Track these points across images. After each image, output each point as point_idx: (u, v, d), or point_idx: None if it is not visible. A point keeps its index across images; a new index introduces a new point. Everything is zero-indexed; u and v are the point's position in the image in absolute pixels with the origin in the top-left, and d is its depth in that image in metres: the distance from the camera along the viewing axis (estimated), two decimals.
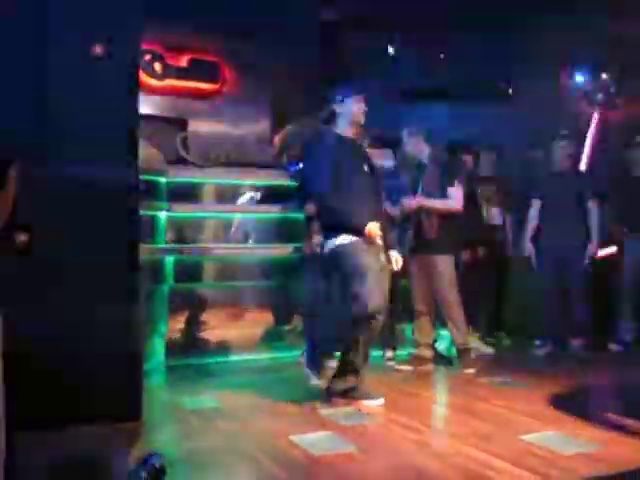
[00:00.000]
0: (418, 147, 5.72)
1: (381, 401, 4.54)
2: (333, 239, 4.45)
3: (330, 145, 4.58)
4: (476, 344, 6.18)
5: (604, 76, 7.79)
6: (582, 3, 6.88)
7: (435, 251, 5.57)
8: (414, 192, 5.66)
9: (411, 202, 5.63)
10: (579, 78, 7.87)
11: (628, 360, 6.12)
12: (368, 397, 4.55)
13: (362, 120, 4.71)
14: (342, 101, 4.66)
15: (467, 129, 7.91)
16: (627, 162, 6.63)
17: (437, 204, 5.58)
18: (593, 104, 7.87)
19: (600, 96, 7.79)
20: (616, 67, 7.64)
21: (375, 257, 4.47)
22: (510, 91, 8.33)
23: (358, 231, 4.40)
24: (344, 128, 4.66)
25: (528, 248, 6.32)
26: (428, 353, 5.78)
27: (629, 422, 4.00)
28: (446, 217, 5.59)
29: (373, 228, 4.38)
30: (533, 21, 7.24)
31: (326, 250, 4.53)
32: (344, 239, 4.40)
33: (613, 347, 6.40)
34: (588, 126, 7.65)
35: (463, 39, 7.84)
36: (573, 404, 4.51)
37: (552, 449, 3.49)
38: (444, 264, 5.56)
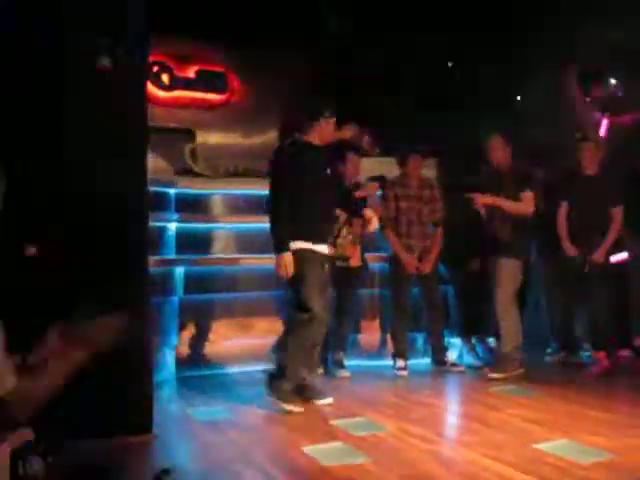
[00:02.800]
0: (501, 155, 5.80)
1: (330, 400, 4.77)
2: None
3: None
4: (473, 358, 6.16)
5: (612, 81, 7.76)
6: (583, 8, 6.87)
7: (504, 253, 5.66)
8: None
9: (484, 198, 5.69)
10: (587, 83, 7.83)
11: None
12: (319, 396, 4.77)
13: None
14: (328, 117, 4.91)
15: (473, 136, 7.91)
16: (636, 168, 6.58)
17: (512, 206, 5.67)
18: (602, 110, 7.83)
19: (609, 101, 7.75)
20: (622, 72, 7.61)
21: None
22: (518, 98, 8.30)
23: None
24: (315, 139, 4.89)
25: (568, 250, 6.06)
26: (518, 356, 5.72)
27: None
28: (518, 221, 5.68)
29: None
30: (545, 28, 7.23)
31: None
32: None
33: (625, 354, 6.35)
34: (597, 132, 7.61)
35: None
36: (587, 412, 4.49)
37: (566, 458, 3.47)
38: (508, 266, 5.64)
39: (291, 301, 4.80)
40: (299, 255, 4.61)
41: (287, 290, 4.99)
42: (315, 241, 4.70)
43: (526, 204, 5.70)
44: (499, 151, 5.81)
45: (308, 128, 4.88)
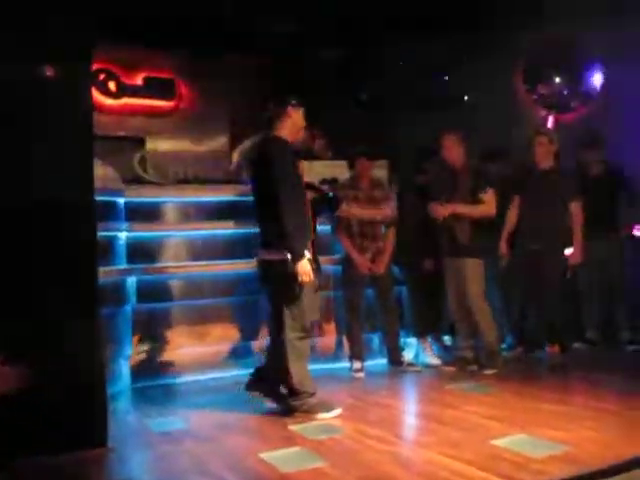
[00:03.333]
0: (455, 153, 5.82)
1: (338, 412, 4.54)
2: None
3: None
4: (429, 357, 6.20)
5: (557, 79, 7.88)
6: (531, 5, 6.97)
7: (466, 255, 5.71)
8: (444, 197, 5.81)
9: (444, 209, 5.75)
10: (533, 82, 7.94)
11: (595, 358, 6.23)
12: (323, 410, 4.54)
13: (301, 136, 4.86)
14: (296, 105, 4.69)
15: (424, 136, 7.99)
16: (582, 164, 6.68)
17: (473, 211, 5.73)
18: (548, 107, 7.95)
19: (555, 99, 7.87)
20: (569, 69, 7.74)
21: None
22: (465, 98, 8.39)
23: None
24: (287, 135, 4.66)
25: (501, 248, 6.10)
26: (470, 354, 5.89)
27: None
28: (477, 222, 5.74)
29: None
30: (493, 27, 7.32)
31: None
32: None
33: (579, 346, 6.45)
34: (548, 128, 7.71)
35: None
36: (543, 406, 4.54)
37: (522, 453, 3.50)
38: (475, 268, 5.71)
39: (280, 314, 4.58)
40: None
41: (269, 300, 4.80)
42: (307, 248, 4.53)
43: (488, 205, 5.75)
44: (452, 149, 5.83)
45: (277, 122, 4.64)
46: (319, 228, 5.75)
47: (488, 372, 5.65)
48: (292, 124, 4.66)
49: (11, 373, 1.98)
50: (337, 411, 4.54)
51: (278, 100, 4.71)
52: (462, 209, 5.72)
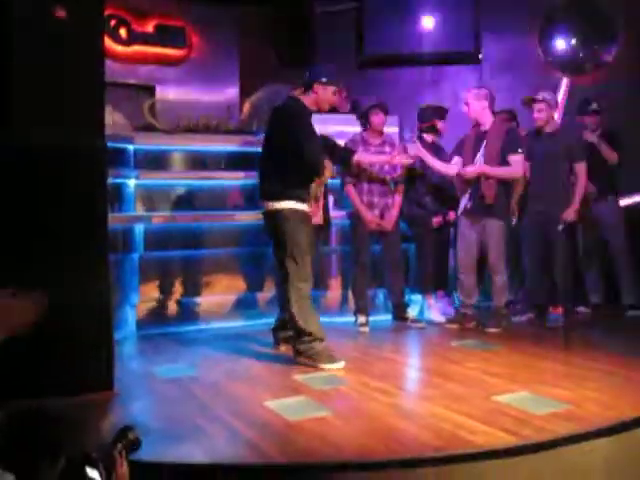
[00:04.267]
0: (483, 112, 5.77)
1: (342, 364, 4.58)
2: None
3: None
4: (433, 314, 6.24)
5: (573, 41, 7.79)
6: None
7: (491, 215, 5.71)
8: (469, 158, 5.79)
9: (472, 170, 5.72)
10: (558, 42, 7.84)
11: (598, 321, 6.26)
12: (327, 360, 4.57)
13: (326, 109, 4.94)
14: (325, 83, 4.76)
15: (438, 93, 7.93)
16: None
17: (500, 172, 5.70)
18: (563, 69, 7.87)
19: (570, 62, 7.79)
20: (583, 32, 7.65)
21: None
22: (480, 56, 8.29)
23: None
24: (310, 104, 4.78)
25: (512, 209, 6.11)
26: (471, 311, 5.93)
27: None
28: (504, 183, 5.74)
29: None
30: None
31: None
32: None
33: (582, 309, 6.47)
34: (557, 91, 7.64)
35: None
36: (546, 365, 4.58)
37: (524, 409, 3.54)
38: (499, 229, 5.73)
39: (284, 262, 4.67)
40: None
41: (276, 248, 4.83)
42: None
43: (515, 168, 5.72)
44: (474, 106, 5.79)
45: (304, 90, 4.79)
46: (330, 182, 5.77)
47: (492, 330, 5.68)
48: (316, 99, 4.78)
49: (21, 306, 1.98)
50: (341, 364, 4.57)
51: (312, 71, 4.84)
52: (489, 171, 5.69)
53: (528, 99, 6.02)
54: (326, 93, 4.78)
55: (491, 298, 5.89)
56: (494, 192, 5.69)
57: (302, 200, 4.72)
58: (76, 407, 3.68)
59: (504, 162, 5.70)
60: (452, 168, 5.89)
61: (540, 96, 5.95)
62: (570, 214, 5.90)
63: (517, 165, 5.73)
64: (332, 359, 4.59)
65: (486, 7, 7.96)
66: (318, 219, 5.61)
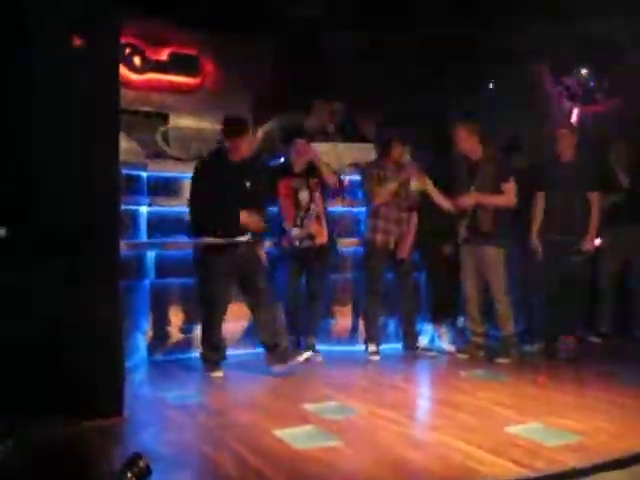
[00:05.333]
0: (470, 144, 5.81)
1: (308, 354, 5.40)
2: None
3: None
4: (444, 343, 6.22)
5: (583, 71, 7.83)
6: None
7: (489, 243, 5.73)
8: (464, 189, 5.82)
9: (468, 200, 5.75)
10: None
11: (607, 351, 6.22)
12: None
13: None
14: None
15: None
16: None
17: (495, 201, 5.73)
18: (573, 99, 7.90)
19: (580, 91, 7.82)
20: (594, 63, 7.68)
21: None
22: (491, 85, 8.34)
23: None
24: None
25: (534, 245, 6.07)
26: (481, 341, 5.91)
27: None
28: (500, 211, 5.76)
29: None
30: (515, 20, 7.25)
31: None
32: None
33: (593, 339, 6.43)
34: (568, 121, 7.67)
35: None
36: (556, 396, 4.55)
37: (536, 440, 3.51)
38: (497, 257, 5.73)
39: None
40: None
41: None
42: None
43: (508, 196, 5.75)
44: (464, 142, 5.82)
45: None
46: (339, 209, 5.82)
47: (502, 361, 5.65)
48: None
49: None
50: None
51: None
52: (482, 199, 5.72)
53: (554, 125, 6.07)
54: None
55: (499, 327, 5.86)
56: (490, 220, 5.72)
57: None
58: (87, 432, 3.69)
59: (498, 190, 5.74)
60: (446, 202, 5.93)
61: (566, 123, 6.00)
62: (589, 244, 5.93)
63: (510, 193, 5.75)
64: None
65: None
66: (323, 238, 5.66)
